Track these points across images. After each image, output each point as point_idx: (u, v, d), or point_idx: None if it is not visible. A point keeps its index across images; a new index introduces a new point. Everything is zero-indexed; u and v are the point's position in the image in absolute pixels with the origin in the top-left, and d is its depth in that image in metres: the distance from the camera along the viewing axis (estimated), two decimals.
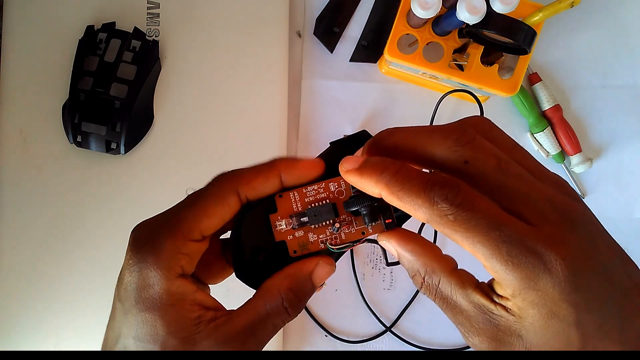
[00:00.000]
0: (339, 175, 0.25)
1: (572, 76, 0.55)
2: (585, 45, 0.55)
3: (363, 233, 0.27)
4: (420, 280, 0.24)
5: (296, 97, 0.55)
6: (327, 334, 0.54)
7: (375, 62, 0.55)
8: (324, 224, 0.26)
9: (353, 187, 0.26)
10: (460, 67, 0.48)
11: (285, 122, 0.53)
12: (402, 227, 0.26)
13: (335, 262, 0.28)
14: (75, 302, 0.50)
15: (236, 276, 0.27)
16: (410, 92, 0.55)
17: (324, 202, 0.26)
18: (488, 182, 0.21)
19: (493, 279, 0.22)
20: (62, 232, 0.51)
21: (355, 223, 0.27)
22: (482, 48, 0.47)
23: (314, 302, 0.54)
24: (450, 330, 0.54)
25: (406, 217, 0.26)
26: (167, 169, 0.51)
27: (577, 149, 0.54)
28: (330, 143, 0.28)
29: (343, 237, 0.27)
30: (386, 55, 0.48)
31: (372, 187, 0.23)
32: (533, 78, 0.54)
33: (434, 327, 0.54)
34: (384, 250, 0.27)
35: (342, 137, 0.27)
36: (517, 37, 0.40)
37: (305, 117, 0.55)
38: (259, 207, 0.27)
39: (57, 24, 0.51)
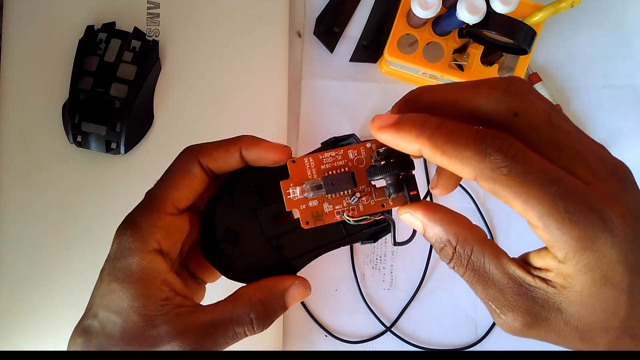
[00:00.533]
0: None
1: (572, 76, 0.55)
2: (585, 45, 0.55)
3: (383, 205, 0.25)
4: (451, 250, 0.22)
5: (296, 97, 0.55)
6: (327, 334, 0.54)
7: (375, 62, 0.55)
8: (341, 194, 0.25)
9: (374, 156, 0.24)
10: (460, 67, 0.48)
11: (285, 122, 0.53)
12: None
13: (347, 241, 0.26)
14: (75, 302, 0.50)
15: (200, 250, 0.27)
16: None
17: (342, 169, 0.25)
18: (540, 136, 0.20)
19: (527, 253, 0.21)
20: (62, 232, 0.51)
21: (375, 194, 0.25)
22: (482, 48, 0.47)
23: (314, 302, 0.54)
24: (450, 330, 0.54)
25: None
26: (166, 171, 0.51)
27: None
28: (321, 143, 0.27)
29: (361, 208, 0.25)
30: (386, 55, 0.48)
31: (411, 142, 0.21)
32: (533, 78, 0.54)
33: (434, 327, 0.54)
34: (394, 228, 0.25)
35: (332, 138, 0.27)
36: (517, 37, 0.40)
37: (305, 117, 0.55)
38: (246, 183, 0.26)
39: (57, 24, 0.51)
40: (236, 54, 0.52)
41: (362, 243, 0.27)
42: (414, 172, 0.24)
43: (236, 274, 0.27)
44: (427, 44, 0.47)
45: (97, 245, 0.51)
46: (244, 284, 0.27)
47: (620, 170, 0.20)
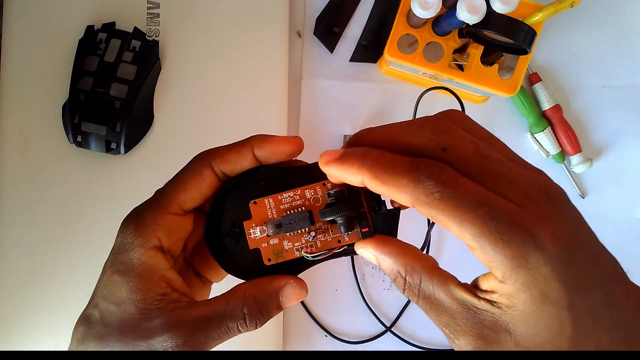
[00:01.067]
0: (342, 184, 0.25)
1: (572, 76, 0.55)
2: (585, 45, 0.55)
3: (339, 241, 0.26)
4: (402, 281, 0.23)
5: (296, 97, 0.55)
6: (327, 334, 0.54)
7: (375, 62, 0.55)
8: (299, 231, 0.26)
9: (330, 196, 0.26)
10: (460, 67, 0.48)
11: (285, 122, 0.53)
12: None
13: (348, 252, 0.27)
14: (75, 302, 0.50)
15: (204, 241, 0.27)
16: (410, 92, 0.55)
17: (299, 209, 0.26)
18: (469, 166, 0.21)
19: (477, 278, 0.22)
20: (62, 232, 0.51)
21: (332, 231, 0.26)
22: (482, 48, 0.47)
23: (314, 302, 0.54)
24: None
25: (395, 220, 0.26)
26: (167, 169, 0.50)
27: (577, 149, 0.54)
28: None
29: (319, 245, 0.26)
30: (386, 55, 0.48)
31: (354, 174, 0.22)
32: (533, 78, 0.54)
33: (434, 326, 0.54)
34: (352, 260, 0.27)
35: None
36: (517, 37, 0.40)
37: (305, 117, 0.55)
38: (257, 181, 0.27)
39: (57, 24, 0.51)
40: (236, 54, 0.52)
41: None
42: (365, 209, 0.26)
43: (237, 270, 0.27)
44: (427, 44, 0.47)
45: (97, 245, 0.51)
46: (244, 281, 0.27)
47: (554, 192, 0.21)
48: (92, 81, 0.48)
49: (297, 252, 0.26)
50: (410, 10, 0.44)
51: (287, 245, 0.26)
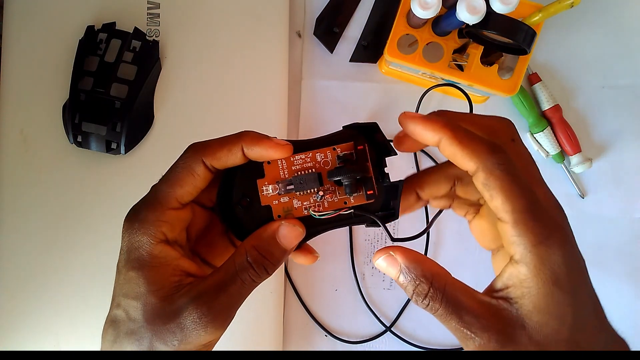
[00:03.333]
0: (350, 157, 0.27)
1: (572, 76, 0.55)
2: (585, 45, 0.55)
3: (345, 203, 0.28)
4: (427, 286, 0.25)
5: (296, 97, 0.55)
6: (327, 334, 0.54)
7: (375, 62, 0.55)
8: (308, 191, 0.28)
9: (339, 159, 0.28)
10: (460, 67, 0.48)
11: (285, 122, 0.53)
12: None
13: (317, 232, 0.29)
14: (75, 302, 0.50)
15: (215, 209, 0.29)
16: (410, 92, 0.55)
17: (310, 170, 0.28)
18: (523, 161, 0.26)
19: (489, 285, 0.25)
20: (62, 232, 0.51)
21: (338, 193, 0.28)
22: (482, 48, 0.47)
23: (314, 301, 0.54)
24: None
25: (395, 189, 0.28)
26: (167, 169, 0.51)
27: (577, 149, 0.54)
28: (343, 127, 0.29)
29: (326, 205, 0.28)
30: (386, 55, 0.48)
31: (435, 132, 0.25)
32: (533, 78, 0.54)
33: (433, 326, 0.54)
34: (383, 228, 0.28)
35: (354, 124, 0.29)
36: (517, 37, 0.40)
37: (305, 117, 0.55)
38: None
39: (57, 24, 0.51)
40: (236, 54, 0.52)
41: (366, 226, 0.29)
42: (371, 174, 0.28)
43: (247, 237, 0.28)
44: (427, 44, 0.47)
45: (97, 245, 0.51)
46: None
47: (562, 211, 0.26)
48: (93, 81, 0.48)
49: (305, 211, 0.28)
50: (410, 11, 0.44)
51: (296, 203, 0.28)
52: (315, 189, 0.28)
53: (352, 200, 0.28)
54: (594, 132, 0.56)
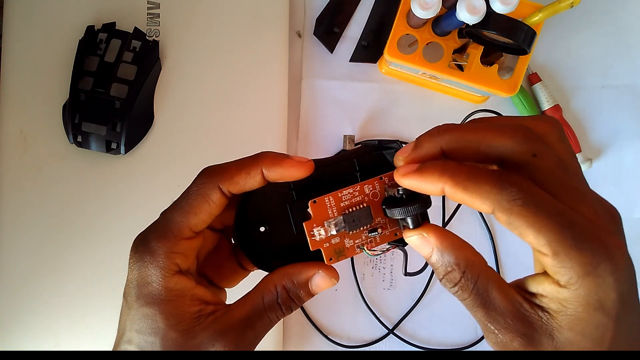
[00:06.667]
0: (372, 176, 0.26)
1: (572, 76, 0.55)
2: (585, 45, 0.55)
3: (395, 234, 0.27)
4: (459, 275, 0.23)
5: (296, 97, 0.55)
6: (327, 340, 0.54)
7: (375, 62, 0.55)
8: (361, 229, 0.26)
9: (390, 189, 0.26)
10: (460, 67, 0.48)
11: (285, 122, 0.53)
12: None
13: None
14: (75, 302, 0.50)
15: (232, 236, 0.27)
16: (410, 92, 0.55)
17: (360, 206, 0.26)
18: (552, 176, 0.22)
19: (522, 279, 0.23)
20: (62, 232, 0.51)
21: (389, 225, 0.27)
22: (482, 48, 0.47)
23: (313, 302, 0.54)
24: (450, 329, 0.54)
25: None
26: (167, 169, 0.51)
27: (577, 149, 0.54)
28: (362, 144, 0.28)
29: (378, 240, 0.26)
30: (386, 55, 0.48)
31: (434, 182, 0.23)
32: (533, 78, 0.54)
33: (434, 327, 0.54)
34: (406, 258, 0.27)
35: (375, 141, 0.28)
36: (517, 37, 0.40)
37: (305, 117, 0.55)
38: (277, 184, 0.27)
39: (57, 24, 0.51)
40: (236, 54, 0.52)
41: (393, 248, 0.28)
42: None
43: (265, 264, 0.27)
44: (427, 44, 0.47)
45: (97, 245, 0.51)
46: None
47: (616, 215, 0.23)
48: (93, 81, 0.48)
49: (358, 249, 0.26)
50: (410, 11, 0.44)
51: (348, 243, 0.26)
52: (368, 226, 0.26)
53: (401, 232, 0.26)
54: (594, 132, 0.56)
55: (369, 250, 0.26)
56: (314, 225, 0.26)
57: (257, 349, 0.55)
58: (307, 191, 0.27)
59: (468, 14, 0.40)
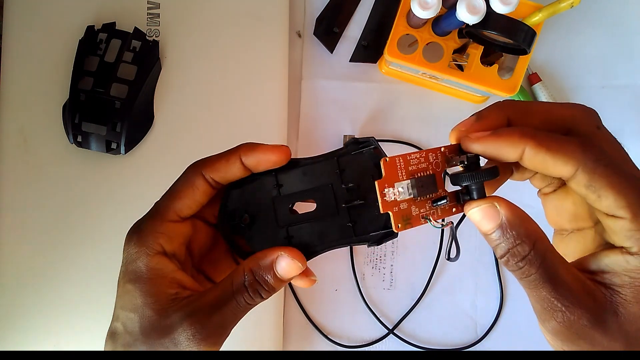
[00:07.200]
0: (355, 175, 0.26)
1: (572, 76, 0.55)
2: (585, 45, 0.55)
3: (454, 210, 0.25)
4: (527, 250, 0.22)
5: (296, 97, 0.55)
6: (327, 340, 0.54)
7: (375, 62, 0.55)
8: (427, 196, 0.25)
9: (453, 159, 0.25)
10: (460, 67, 0.48)
11: (285, 122, 0.53)
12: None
13: (355, 241, 0.27)
14: (75, 302, 0.50)
15: (216, 227, 0.28)
16: (410, 92, 0.55)
17: (427, 172, 0.25)
18: (614, 146, 0.23)
19: (582, 259, 0.23)
20: (62, 232, 0.51)
21: (449, 199, 0.25)
22: (482, 48, 0.47)
23: (313, 302, 0.54)
24: (450, 330, 0.54)
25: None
26: (167, 169, 0.51)
27: None
28: (345, 144, 0.28)
29: (439, 212, 0.25)
30: (386, 55, 0.48)
31: (515, 145, 0.22)
32: (533, 78, 0.54)
33: (434, 327, 0.54)
34: (451, 243, 0.25)
35: (352, 139, 0.28)
36: (517, 37, 0.40)
37: (305, 117, 0.55)
38: (269, 171, 0.27)
39: (57, 24, 0.51)
40: (236, 54, 0.52)
41: (368, 246, 0.28)
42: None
43: (248, 255, 0.28)
44: (427, 44, 0.47)
45: (97, 245, 0.51)
46: None
47: None
48: (93, 81, 0.48)
49: (423, 220, 0.25)
50: (410, 11, 0.44)
51: (414, 211, 0.25)
52: (433, 194, 0.25)
53: (460, 206, 0.25)
54: None
55: (435, 220, 0.25)
56: (386, 184, 0.24)
57: (257, 348, 0.55)
58: (291, 187, 0.28)
59: (468, 14, 0.40)
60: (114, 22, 0.50)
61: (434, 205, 0.25)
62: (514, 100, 0.24)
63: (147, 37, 0.50)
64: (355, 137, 0.28)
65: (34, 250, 0.50)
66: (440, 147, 0.25)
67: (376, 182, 0.24)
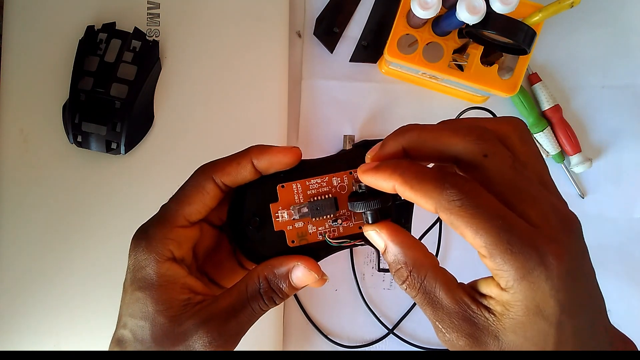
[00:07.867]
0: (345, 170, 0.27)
1: (572, 76, 0.55)
2: (585, 45, 0.55)
3: (360, 228, 0.28)
4: (406, 274, 0.24)
5: (296, 97, 0.55)
6: (327, 340, 0.54)
7: (375, 62, 0.55)
8: (324, 217, 0.27)
9: (356, 184, 0.27)
10: (460, 67, 0.48)
11: (285, 122, 0.53)
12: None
13: (324, 256, 0.28)
14: (75, 302, 0.50)
15: (225, 230, 0.28)
16: (410, 92, 0.55)
17: (326, 196, 0.27)
18: (503, 177, 0.22)
19: (476, 281, 0.24)
20: (62, 232, 0.51)
21: (354, 218, 0.28)
22: (482, 48, 0.47)
23: (313, 302, 0.54)
24: None
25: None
26: (167, 169, 0.51)
27: (577, 149, 0.54)
28: (353, 145, 0.29)
29: (341, 230, 0.28)
30: (386, 55, 0.48)
31: (387, 180, 0.24)
32: (533, 78, 0.54)
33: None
34: (378, 254, 0.27)
35: (363, 141, 0.29)
36: (517, 37, 0.40)
37: (305, 117, 0.55)
38: (277, 173, 0.28)
39: (57, 24, 0.51)
40: (236, 54, 0.52)
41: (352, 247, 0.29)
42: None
43: (257, 258, 0.28)
44: (427, 44, 0.47)
45: (97, 245, 0.51)
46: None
47: (570, 221, 0.22)
48: (93, 81, 0.48)
49: (320, 236, 0.28)
50: (410, 11, 0.44)
51: (311, 229, 0.28)
52: (332, 215, 0.27)
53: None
54: (594, 132, 0.56)
55: (331, 239, 0.27)
56: (280, 207, 0.27)
57: (257, 348, 0.55)
58: None
59: (468, 14, 0.40)
60: (114, 22, 0.50)
61: (333, 225, 0.28)
62: (415, 125, 0.25)
63: (147, 37, 0.50)
64: (366, 139, 0.29)
65: (34, 250, 0.50)
66: (349, 171, 0.28)
67: (270, 205, 0.27)
